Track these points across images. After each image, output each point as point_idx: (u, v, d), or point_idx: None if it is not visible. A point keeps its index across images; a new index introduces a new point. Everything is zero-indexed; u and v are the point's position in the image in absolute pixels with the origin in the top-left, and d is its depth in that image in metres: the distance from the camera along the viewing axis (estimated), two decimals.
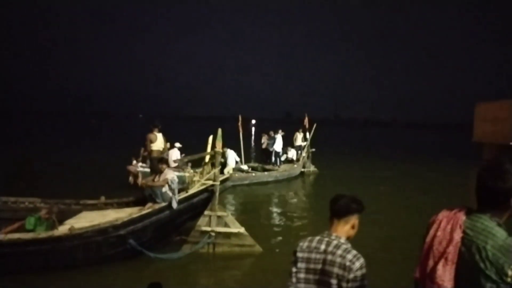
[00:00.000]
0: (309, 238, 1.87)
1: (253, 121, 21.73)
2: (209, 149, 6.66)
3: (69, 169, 15.43)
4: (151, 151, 7.73)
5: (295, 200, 11.26)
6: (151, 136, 7.72)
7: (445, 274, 1.44)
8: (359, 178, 15.73)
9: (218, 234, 6.15)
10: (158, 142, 7.86)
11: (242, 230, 6.17)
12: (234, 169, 12.45)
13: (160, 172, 6.27)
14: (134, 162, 12.02)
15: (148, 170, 11.24)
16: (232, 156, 12.94)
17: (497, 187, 1.43)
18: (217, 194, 6.24)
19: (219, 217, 6.19)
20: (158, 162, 6.49)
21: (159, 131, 7.93)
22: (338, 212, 1.89)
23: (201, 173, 6.48)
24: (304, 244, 1.88)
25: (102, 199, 6.81)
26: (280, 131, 15.05)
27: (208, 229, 6.14)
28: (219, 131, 6.50)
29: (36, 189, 9.66)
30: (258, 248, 6.17)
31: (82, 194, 7.19)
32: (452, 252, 1.44)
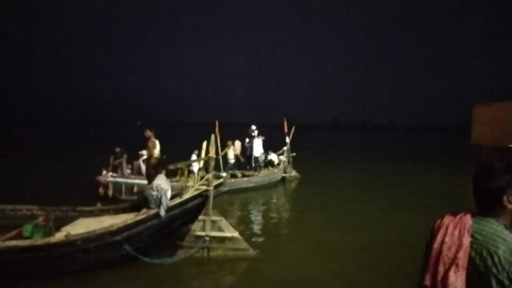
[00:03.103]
0: None
1: (253, 127, 21.40)
2: (203, 154, 6.85)
3: (46, 178, 15.07)
4: (150, 157, 7.91)
5: (277, 206, 11.58)
6: (155, 141, 7.91)
7: (457, 280, 1.45)
8: (343, 181, 16.20)
9: (213, 238, 6.40)
10: (157, 148, 8.06)
11: (236, 234, 6.41)
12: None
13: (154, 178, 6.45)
14: (104, 172, 11.70)
15: (120, 180, 11.15)
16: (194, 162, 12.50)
17: (488, 186, 1.51)
18: (211, 199, 6.45)
19: (213, 221, 6.43)
20: (153, 168, 6.68)
21: (156, 137, 8.13)
22: None
23: (195, 178, 6.66)
24: None
25: (99, 205, 7.00)
26: (260, 136, 15.27)
27: (203, 233, 6.37)
28: (212, 137, 6.71)
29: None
30: (252, 252, 6.41)
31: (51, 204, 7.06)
32: (463, 257, 1.46)
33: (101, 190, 11.28)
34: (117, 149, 12.42)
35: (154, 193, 6.26)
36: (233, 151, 14.32)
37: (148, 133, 8.22)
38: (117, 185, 11.20)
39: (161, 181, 6.48)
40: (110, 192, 11.13)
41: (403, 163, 24.58)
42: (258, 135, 15.37)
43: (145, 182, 9.94)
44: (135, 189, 10.55)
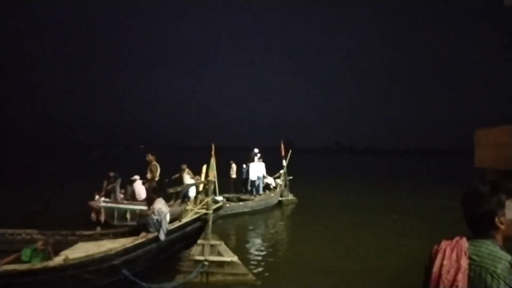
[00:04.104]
0: None
1: (256, 150, 21.27)
2: (202, 178, 6.95)
3: (45, 202, 14.93)
4: (152, 180, 8.02)
5: (274, 230, 11.56)
6: (157, 165, 8.05)
7: None
8: (343, 206, 16.21)
9: (211, 263, 6.37)
10: (158, 172, 8.19)
11: (235, 259, 6.41)
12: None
13: (153, 201, 6.52)
14: (97, 197, 11.55)
15: (112, 205, 11.08)
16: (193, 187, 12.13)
17: (478, 211, 1.56)
18: (210, 222, 6.47)
19: (212, 245, 6.44)
20: (153, 192, 6.77)
21: (157, 161, 8.27)
22: None
23: (195, 202, 6.72)
24: None
25: (98, 229, 7.03)
26: (260, 159, 15.31)
27: (201, 258, 6.38)
28: (212, 160, 6.82)
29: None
30: (251, 277, 6.43)
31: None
32: (462, 279, 1.49)
33: (93, 215, 11.13)
34: (111, 174, 12.30)
35: (155, 217, 6.32)
36: (189, 174, 12.99)
37: (150, 157, 8.37)
38: (109, 210, 11.08)
39: (161, 205, 6.55)
40: (102, 218, 10.95)
41: (404, 188, 24.62)
42: (260, 158, 15.37)
43: (138, 207, 10.00)
44: (128, 215, 10.52)
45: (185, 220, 6.65)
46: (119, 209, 11.08)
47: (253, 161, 15.22)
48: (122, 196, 12.21)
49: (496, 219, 1.53)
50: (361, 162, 75.86)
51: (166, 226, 6.34)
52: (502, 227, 1.54)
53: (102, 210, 10.96)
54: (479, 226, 1.57)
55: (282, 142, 16.87)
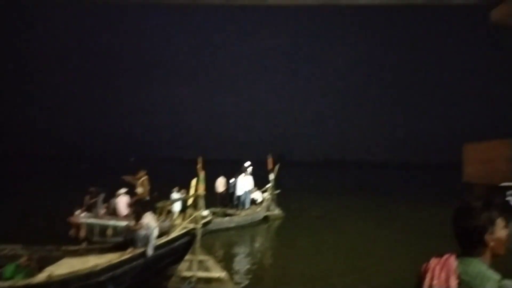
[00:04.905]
0: None
1: (247, 163, 20.94)
2: (192, 192, 6.93)
3: (30, 216, 14.63)
4: (144, 194, 7.96)
5: (260, 246, 11.53)
6: (146, 180, 8.00)
7: None
8: (330, 220, 16.29)
9: (199, 279, 6.25)
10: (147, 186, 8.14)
11: (223, 274, 6.39)
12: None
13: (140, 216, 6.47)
14: (78, 212, 11.09)
15: (93, 221, 10.73)
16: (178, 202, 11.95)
17: (468, 226, 1.56)
18: (198, 237, 6.43)
19: (200, 261, 6.36)
20: (142, 206, 6.73)
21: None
22: None
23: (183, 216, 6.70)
24: None
25: (84, 245, 6.92)
26: (247, 173, 15.15)
27: (189, 274, 6.29)
28: (202, 174, 6.82)
29: None
30: None
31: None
32: None
33: (72, 231, 10.66)
34: (92, 188, 11.82)
35: (143, 231, 6.26)
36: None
37: (140, 173, 8.34)
38: (89, 226, 10.69)
39: (150, 219, 6.50)
40: (83, 234, 10.50)
41: (394, 201, 24.73)
42: (249, 172, 15.27)
43: (120, 223, 9.87)
44: (109, 231, 10.29)
45: (173, 235, 6.61)
46: (100, 225, 10.72)
47: (242, 174, 15.12)
48: (104, 210, 12.00)
49: (486, 236, 1.54)
50: (351, 176, 76.17)
51: (154, 241, 6.29)
52: (492, 244, 1.54)
53: (82, 226, 10.52)
54: (469, 242, 1.57)
55: (269, 156, 16.77)
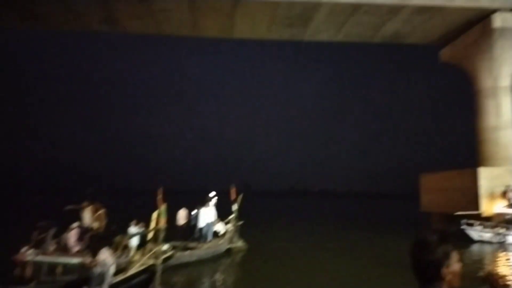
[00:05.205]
0: None
1: (212, 194, 20.16)
2: (152, 225, 6.65)
3: None
4: (100, 228, 7.54)
5: (222, 282, 11.07)
6: (103, 213, 7.61)
7: None
8: (292, 251, 16.06)
9: None
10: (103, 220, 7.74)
11: None
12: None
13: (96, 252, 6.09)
14: (24, 249, 10.03)
15: (41, 258, 9.97)
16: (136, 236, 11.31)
17: (425, 259, 1.60)
18: (158, 274, 6.11)
19: None
20: (99, 241, 6.34)
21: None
22: None
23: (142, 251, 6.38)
24: None
25: (32, 285, 6.39)
26: (206, 204, 14.83)
27: None
28: (163, 206, 6.58)
29: None
30: None
31: None
32: None
33: (17, 270, 9.59)
34: (42, 223, 10.86)
35: (99, 269, 5.86)
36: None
37: (97, 205, 7.95)
38: (37, 265, 9.71)
39: (106, 256, 6.12)
40: (29, 273, 9.47)
41: (355, 231, 25.10)
42: (213, 203, 14.98)
43: (72, 260, 9.25)
44: (59, 269, 9.59)
45: (131, 272, 6.25)
46: (49, 262, 9.81)
47: (205, 205, 14.78)
48: (54, 246, 11.05)
49: (442, 270, 1.57)
50: (315, 205, 77.08)
51: (110, 279, 5.90)
52: (448, 277, 1.58)
53: (29, 264, 9.47)
54: (426, 276, 1.60)
55: (233, 186, 16.55)
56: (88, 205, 8.03)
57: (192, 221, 14.86)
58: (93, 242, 7.05)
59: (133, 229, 11.02)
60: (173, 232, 13.74)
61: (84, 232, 10.48)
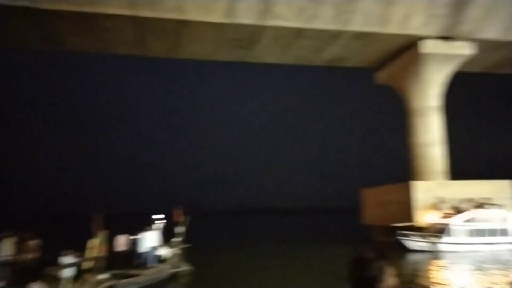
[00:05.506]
0: None
1: (158, 216, 18.40)
2: (88, 254, 6.32)
3: None
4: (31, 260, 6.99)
5: None
6: (35, 242, 7.05)
7: None
8: (238, 272, 15.81)
9: None
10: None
11: None
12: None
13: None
14: None
15: None
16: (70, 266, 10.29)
17: (361, 275, 1.69)
18: None
19: None
20: (30, 273, 5.90)
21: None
22: None
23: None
24: None
25: None
26: (150, 228, 14.29)
27: None
28: (101, 233, 6.29)
29: None
30: None
31: None
32: None
33: None
34: None
35: None
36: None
37: (27, 235, 7.40)
38: None
39: None
40: None
41: (302, 245, 25.47)
42: (162, 226, 14.42)
43: None
44: None
45: None
46: None
47: (148, 229, 14.10)
48: None
49: (378, 285, 1.66)
50: (263, 223, 77.31)
51: None
52: None
53: None
54: None
55: (177, 208, 15.88)
56: (9, 236, 7.24)
57: (133, 247, 14.15)
58: (22, 275, 6.51)
59: (65, 259, 10.12)
60: (113, 260, 12.93)
61: (15, 264, 9.61)
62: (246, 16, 22.57)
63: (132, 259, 13.88)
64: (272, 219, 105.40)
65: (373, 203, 28.38)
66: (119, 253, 13.45)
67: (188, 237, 15.69)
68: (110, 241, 12.91)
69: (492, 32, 25.35)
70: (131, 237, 14.29)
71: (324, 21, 23.46)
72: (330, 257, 19.34)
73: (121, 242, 13.98)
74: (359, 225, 30.30)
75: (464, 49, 25.73)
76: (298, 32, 24.16)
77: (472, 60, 26.84)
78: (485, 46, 26.11)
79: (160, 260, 14.53)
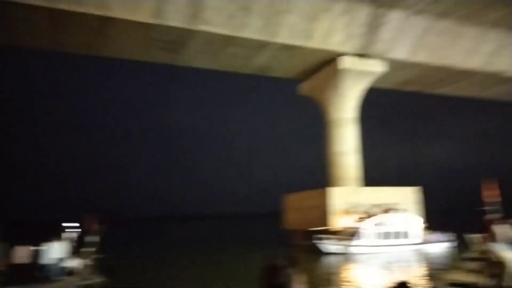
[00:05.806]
0: None
1: (67, 224, 16.29)
2: None
3: None
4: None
5: None
6: None
7: None
8: (156, 283, 15.39)
9: None
10: None
11: None
12: None
13: None
14: None
15: None
16: None
17: (272, 282, 1.77)
18: None
19: None
20: None
21: None
22: None
23: None
24: None
25: None
26: (58, 237, 13.19)
27: None
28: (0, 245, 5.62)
29: None
30: None
31: None
32: None
33: None
34: None
35: None
36: None
37: None
38: None
39: None
40: None
41: (222, 252, 25.77)
42: (74, 235, 13.29)
43: None
44: None
45: None
46: None
47: (55, 239, 12.84)
48: None
49: None
50: (187, 229, 75.98)
51: None
52: None
53: None
54: None
55: (89, 215, 14.90)
56: None
57: (35, 259, 12.68)
58: None
59: None
60: (12, 274, 11.77)
61: None
62: (174, 19, 22.20)
63: (34, 272, 12.52)
64: (197, 225, 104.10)
65: (293, 208, 29.50)
66: (19, 266, 12.05)
67: (104, 246, 14.71)
68: (8, 253, 11.64)
69: (401, 53, 28.19)
70: (32, 248, 12.82)
71: (253, 31, 24.08)
72: (247, 263, 19.68)
73: (21, 253, 12.50)
74: (281, 229, 31.25)
75: (377, 67, 28.27)
76: (227, 40, 24.43)
77: (384, 77, 29.59)
78: (395, 65, 28.95)
79: (69, 272, 13.37)
